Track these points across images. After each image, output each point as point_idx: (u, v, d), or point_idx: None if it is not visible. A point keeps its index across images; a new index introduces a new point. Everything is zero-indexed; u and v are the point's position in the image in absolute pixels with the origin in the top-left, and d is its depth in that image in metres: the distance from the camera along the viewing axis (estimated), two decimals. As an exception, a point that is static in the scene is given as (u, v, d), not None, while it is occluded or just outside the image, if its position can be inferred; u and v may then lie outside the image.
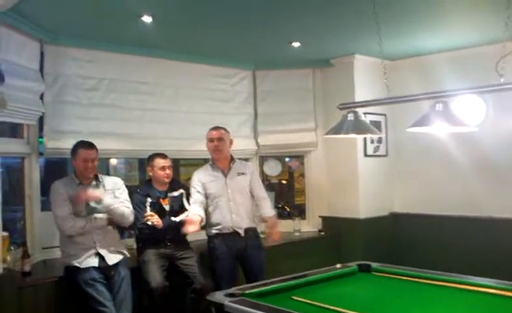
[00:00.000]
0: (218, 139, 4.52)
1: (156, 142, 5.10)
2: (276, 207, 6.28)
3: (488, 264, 4.61)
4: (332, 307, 2.69)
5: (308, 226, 6.12)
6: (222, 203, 4.46)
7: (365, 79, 5.73)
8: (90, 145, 4.07)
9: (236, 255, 4.44)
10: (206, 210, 4.45)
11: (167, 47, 5.12)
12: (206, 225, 4.47)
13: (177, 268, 4.35)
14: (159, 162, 4.49)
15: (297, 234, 5.89)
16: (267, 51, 5.45)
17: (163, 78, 5.34)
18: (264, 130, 6.10)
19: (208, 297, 2.93)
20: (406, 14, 4.25)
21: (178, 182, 4.90)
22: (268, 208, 4.72)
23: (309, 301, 2.83)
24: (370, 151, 5.87)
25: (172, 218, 4.42)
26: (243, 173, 4.64)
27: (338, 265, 3.57)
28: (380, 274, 3.48)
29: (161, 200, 4.48)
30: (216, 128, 4.60)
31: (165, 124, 5.33)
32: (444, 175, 5.61)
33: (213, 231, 4.45)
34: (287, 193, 6.65)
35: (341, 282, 3.35)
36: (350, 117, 3.48)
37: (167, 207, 4.47)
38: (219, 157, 4.55)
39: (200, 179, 4.50)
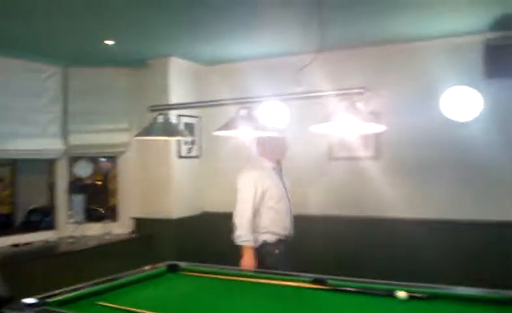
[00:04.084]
0: None
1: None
2: (87, 209, 6.06)
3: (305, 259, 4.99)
4: (139, 310, 2.67)
5: (120, 228, 6.02)
6: (283, 205, 4.14)
7: (180, 82, 5.81)
8: None
9: None
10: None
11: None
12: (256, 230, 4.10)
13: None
14: None
15: (107, 237, 5.76)
16: (79, 47, 5.23)
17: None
18: (75, 130, 5.84)
19: (6, 308, 2.71)
20: (218, 21, 4.40)
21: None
22: None
23: (115, 306, 2.77)
24: (183, 152, 5.98)
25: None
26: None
27: (147, 267, 3.57)
28: (188, 273, 3.55)
29: None
30: None
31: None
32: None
33: (274, 238, 4.09)
34: (101, 195, 6.44)
35: (150, 283, 3.34)
36: (160, 119, 3.52)
37: None
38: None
39: (263, 184, 4.09)
